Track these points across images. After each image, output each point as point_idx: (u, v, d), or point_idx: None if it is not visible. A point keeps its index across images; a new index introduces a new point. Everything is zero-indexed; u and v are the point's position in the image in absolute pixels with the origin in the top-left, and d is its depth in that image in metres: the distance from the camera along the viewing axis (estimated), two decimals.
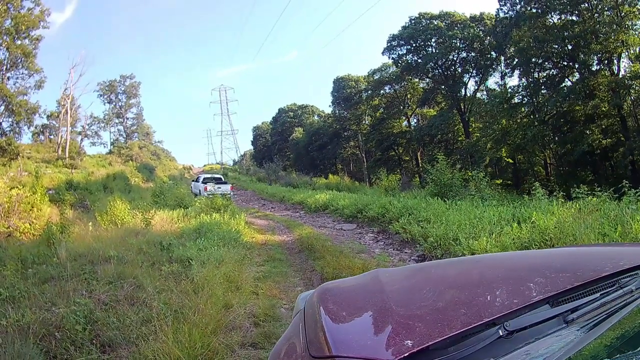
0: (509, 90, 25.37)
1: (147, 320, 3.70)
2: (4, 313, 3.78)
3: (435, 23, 30.65)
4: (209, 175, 24.50)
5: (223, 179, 23.65)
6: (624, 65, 21.13)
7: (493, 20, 27.53)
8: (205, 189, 20.35)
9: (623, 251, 1.60)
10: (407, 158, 37.50)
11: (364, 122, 41.30)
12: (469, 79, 31.51)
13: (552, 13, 22.26)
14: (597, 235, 4.98)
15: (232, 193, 20.88)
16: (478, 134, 28.21)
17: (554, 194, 8.17)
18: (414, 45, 31.68)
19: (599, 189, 7.58)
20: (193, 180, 25.75)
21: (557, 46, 22.06)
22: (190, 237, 7.93)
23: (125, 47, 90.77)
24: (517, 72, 25.51)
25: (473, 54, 30.09)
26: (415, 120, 38.37)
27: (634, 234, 4.74)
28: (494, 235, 6.43)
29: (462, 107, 30.76)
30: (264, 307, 4.53)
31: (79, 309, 3.70)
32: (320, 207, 15.81)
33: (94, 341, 3.39)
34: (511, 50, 24.53)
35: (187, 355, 3.03)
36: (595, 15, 20.60)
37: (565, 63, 22.67)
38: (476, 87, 31.56)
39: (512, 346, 0.93)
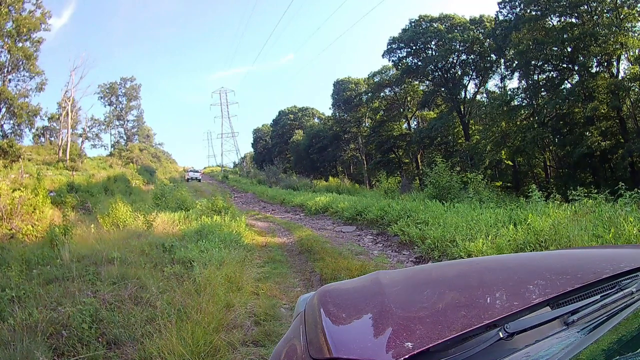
0: (509, 92, 25.44)
1: (151, 319, 3.80)
2: (11, 312, 3.88)
3: (435, 26, 30.70)
4: (191, 169, 50.61)
5: (199, 171, 50.79)
6: (623, 67, 21.28)
7: (493, 22, 27.60)
8: (187, 174, 45.02)
9: (623, 253, 1.59)
10: (407, 160, 37.53)
11: (364, 124, 41.33)
12: (469, 81, 31.64)
13: (552, 15, 22.33)
14: (590, 237, 5.05)
15: (201, 177, 45.55)
16: (478, 137, 28.25)
17: (551, 196, 8.24)
18: (414, 47, 31.75)
19: (596, 191, 7.66)
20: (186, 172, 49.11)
21: (556, 48, 22.13)
22: (191, 239, 7.98)
23: (126, 50, 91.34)
24: (516, 74, 25.67)
25: (473, 56, 30.14)
26: (415, 123, 38.52)
27: (627, 235, 4.82)
28: (490, 237, 6.52)
29: (462, 109, 30.83)
30: (265, 306, 4.62)
31: (84, 308, 3.79)
32: (320, 210, 15.85)
33: (100, 339, 3.50)
34: (511, 53, 24.58)
35: (191, 352, 3.12)
36: (595, 17, 20.68)
37: (565, 65, 22.72)
38: (476, 90, 31.70)
39: (513, 348, 0.93)
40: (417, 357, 0.86)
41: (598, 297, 1.09)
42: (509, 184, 26.39)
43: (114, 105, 54.62)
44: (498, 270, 1.41)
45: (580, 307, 1.04)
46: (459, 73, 31.17)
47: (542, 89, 23.74)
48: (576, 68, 21.87)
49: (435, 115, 33.72)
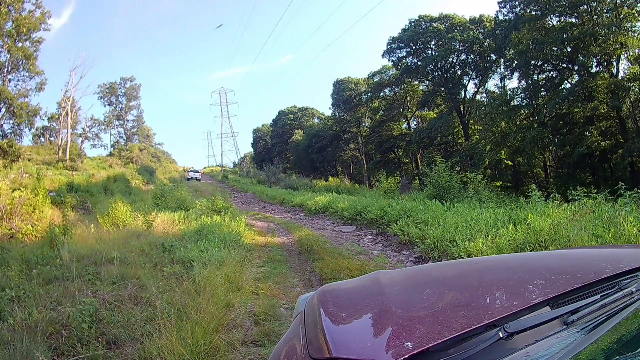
0: (509, 92, 25.45)
1: (152, 319, 3.80)
2: (11, 312, 3.88)
3: (435, 26, 30.72)
4: (191, 169, 52.81)
5: (199, 171, 53.52)
6: (623, 67, 21.29)
7: (493, 23, 27.63)
8: (188, 174, 46.49)
9: (623, 253, 1.59)
10: (407, 160, 37.54)
11: (364, 124, 41.37)
12: (469, 81, 31.65)
13: (552, 16, 22.34)
14: (590, 237, 5.04)
15: (201, 177, 47.02)
16: (478, 137, 28.23)
17: (551, 196, 8.23)
18: (414, 47, 31.78)
19: (596, 191, 7.64)
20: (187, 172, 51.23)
21: (556, 48, 22.11)
22: (191, 239, 7.97)
23: (126, 50, 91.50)
24: (516, 74, 25.69)
25: (473, 56, 30.16)
26: (415, 123, 38.56)
27: (627, 235, 4.81)
28: (490, 237, 6.52)
29: (462, 109, 30.84)
30: (265, 306, 4.62)
31: (84, 308, 3.79)
32: (320, 210, 15.84)
33: (100, 339, 3.50)
34: (511, 53, 24.58)
35: (191, 352, 3.11)
36: (595, 17, 20.68)
37: (565, 65, 22.72)
38: (476, 90, 31.72)
39: (513, 348, 0.92)
40: (417, 357, 0.86)
41: (598, 297, 1.09)
42: (509, 184, 26.38)
43: (114, 106, 54.70)
44: (498, 270, 1.40)
45: (580, 307, 1.04)
46: (459, 73, 31.18)
47: (542, 89, 23.73)
48: (576, 68, 21.86)
49: (435, 115, 33.72)
